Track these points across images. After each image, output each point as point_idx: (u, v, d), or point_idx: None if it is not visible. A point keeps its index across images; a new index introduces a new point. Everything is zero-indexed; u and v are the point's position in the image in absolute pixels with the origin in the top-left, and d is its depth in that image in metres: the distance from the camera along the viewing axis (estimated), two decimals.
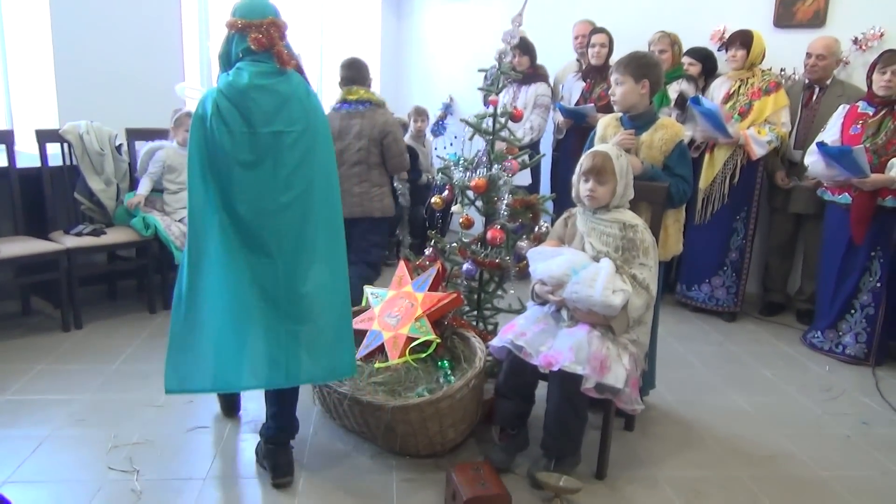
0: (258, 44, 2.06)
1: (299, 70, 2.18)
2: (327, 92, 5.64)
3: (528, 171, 3.81)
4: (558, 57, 4.73)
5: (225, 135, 2.02)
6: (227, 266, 2.06)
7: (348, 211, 3.32)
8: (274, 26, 2.08)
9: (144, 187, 3.76)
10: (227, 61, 2.13)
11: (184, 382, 2.08)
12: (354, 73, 3.55)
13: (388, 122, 3.56)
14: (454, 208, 2.91)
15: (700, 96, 3.89)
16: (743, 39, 3.87)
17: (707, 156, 3.97)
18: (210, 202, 2.06)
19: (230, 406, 2.67)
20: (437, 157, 3.08)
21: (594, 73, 4.33)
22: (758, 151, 3.79)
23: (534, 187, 4.36)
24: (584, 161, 2.29)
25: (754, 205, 3.99)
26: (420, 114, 5.11)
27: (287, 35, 2.15)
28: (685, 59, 4.21)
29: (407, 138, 4.92)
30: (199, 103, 2.06)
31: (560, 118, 4.41)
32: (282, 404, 2.24)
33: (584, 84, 4.38)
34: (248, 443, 2.48)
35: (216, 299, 2.07)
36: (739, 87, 3.92)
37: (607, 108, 4.09)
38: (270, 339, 2.07)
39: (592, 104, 4.18)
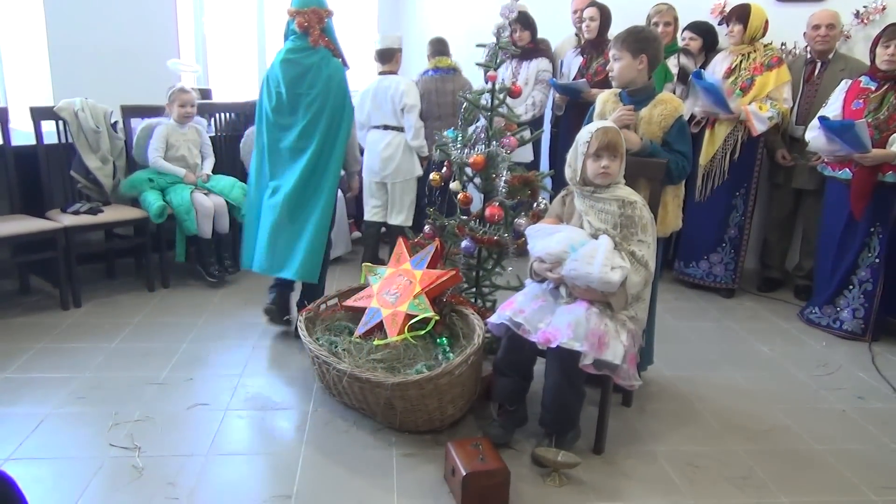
0: (299, 26, 2.89)
1: (333, 47, 2.94)
2: None
3: (529, 148, 3.81)
4: (560, 31, 4.68)
5: (270, 94, 2.96)
6: (264, 187, 3.04)
7: None
8: (314, 13, 2.89)
9: (162, 164, 3.80)
10: (284, 39, 2.99)
11: (247, 263, 3.17)
12: (441, 47, 4.31)
13: (469, 85, 4.18)
14: (452, 185, 2.90)
15: (702, 71, 3.86)
16: (739, 14, 3.83)
17: (707, 132, 3.94)
18: (263, 143, 3.03)
19: (280, 307, 3.17)
20: (436, 134, 3.19)
21: (590, 48, 4.29)
22: (759, 127, 3.76)
23: (534, 164, 4.34)
24: (593, 139, 2.24)
25: (754, 181, 3.97)
26: None
27: (328, 20, 2.94)
28: (686, 34, 4.16)
29: None
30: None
31: (557, 95, 4.38)
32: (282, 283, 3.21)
33: (581, 59, 4.34)
34: (249, 420, 2.50)
35: (259, 210, 3.07)
36: (741, 62, 3.88)
37: (604, 83, 4.05)
38: (280, 242, 2.98)
39: (585, 80, 4.15)
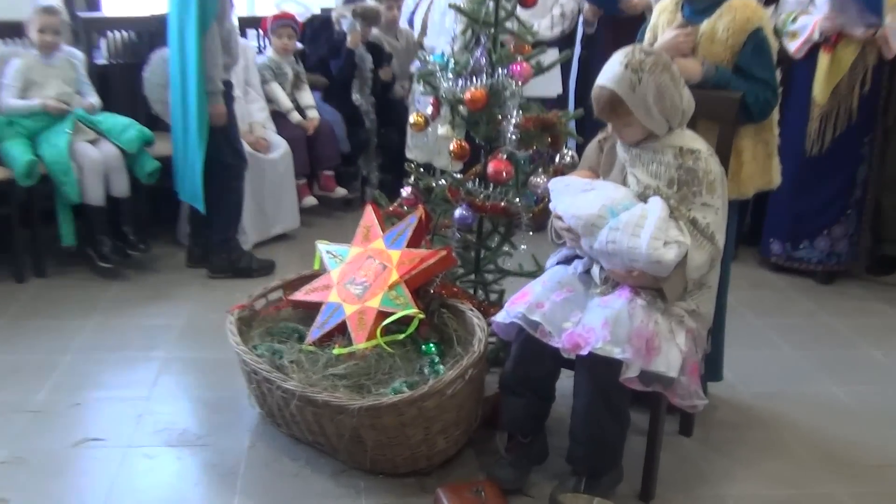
0: None
1: None
2: None
3: (556, 76, 3.78)
4: None
5: None
6: None
7: None
8: None
9: (12, 104, 3.74)
10: None
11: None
12: None
13: None
14: (442, 131, 2.88)
15: None
16: None
17: (824, 57, 3.86)
18: None
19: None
20: (419, 57, 3.16)
21: None
22: (895, 46, 3.75)
23: (563, 99, 4.33)
24: (593, 101, 2.26)
25: (879, 122, 3.98)
26: None
27: None
28: None
29: (375, 32, 4.95)
30: None
31: (586, 5, 4.38)
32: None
33: None
34: (157, 459, 2.50)
35: None
36: None
37: None
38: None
39: None
